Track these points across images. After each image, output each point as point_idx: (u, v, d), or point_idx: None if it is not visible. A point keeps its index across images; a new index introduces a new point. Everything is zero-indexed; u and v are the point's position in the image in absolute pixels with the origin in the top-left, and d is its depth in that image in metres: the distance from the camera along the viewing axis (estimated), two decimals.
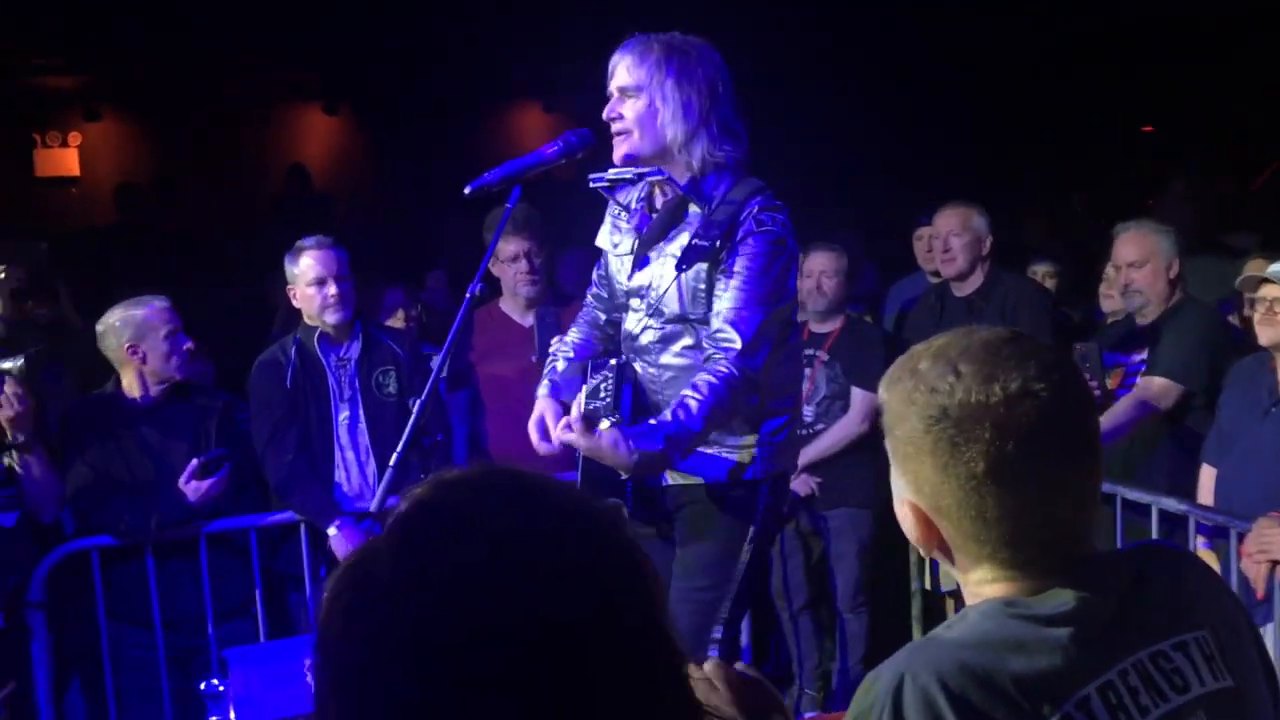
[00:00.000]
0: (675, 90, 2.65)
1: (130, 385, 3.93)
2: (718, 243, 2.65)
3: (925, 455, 1.34)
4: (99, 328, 3.93)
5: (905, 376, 1.38)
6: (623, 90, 2.69)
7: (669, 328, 2.75)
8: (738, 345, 2.61)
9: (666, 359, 2.77)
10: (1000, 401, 1.31)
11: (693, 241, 2.69)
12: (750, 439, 2.77)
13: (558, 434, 2.62)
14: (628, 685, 0.94)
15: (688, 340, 2.74)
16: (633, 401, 2.73)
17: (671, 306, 2.73)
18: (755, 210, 2.66)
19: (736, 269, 2.65)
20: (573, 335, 3.04)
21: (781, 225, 2.67)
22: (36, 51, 8.86)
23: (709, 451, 2.75)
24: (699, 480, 2.78)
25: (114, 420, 3.90)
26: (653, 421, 2.59)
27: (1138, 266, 4.11)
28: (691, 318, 2.71)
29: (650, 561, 1.02)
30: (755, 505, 2.78)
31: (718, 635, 2.77)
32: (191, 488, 3.79)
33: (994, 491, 1.31)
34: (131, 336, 3.87)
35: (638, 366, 2.82)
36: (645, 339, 2.80)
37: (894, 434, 1.39)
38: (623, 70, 2.70)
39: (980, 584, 1.37)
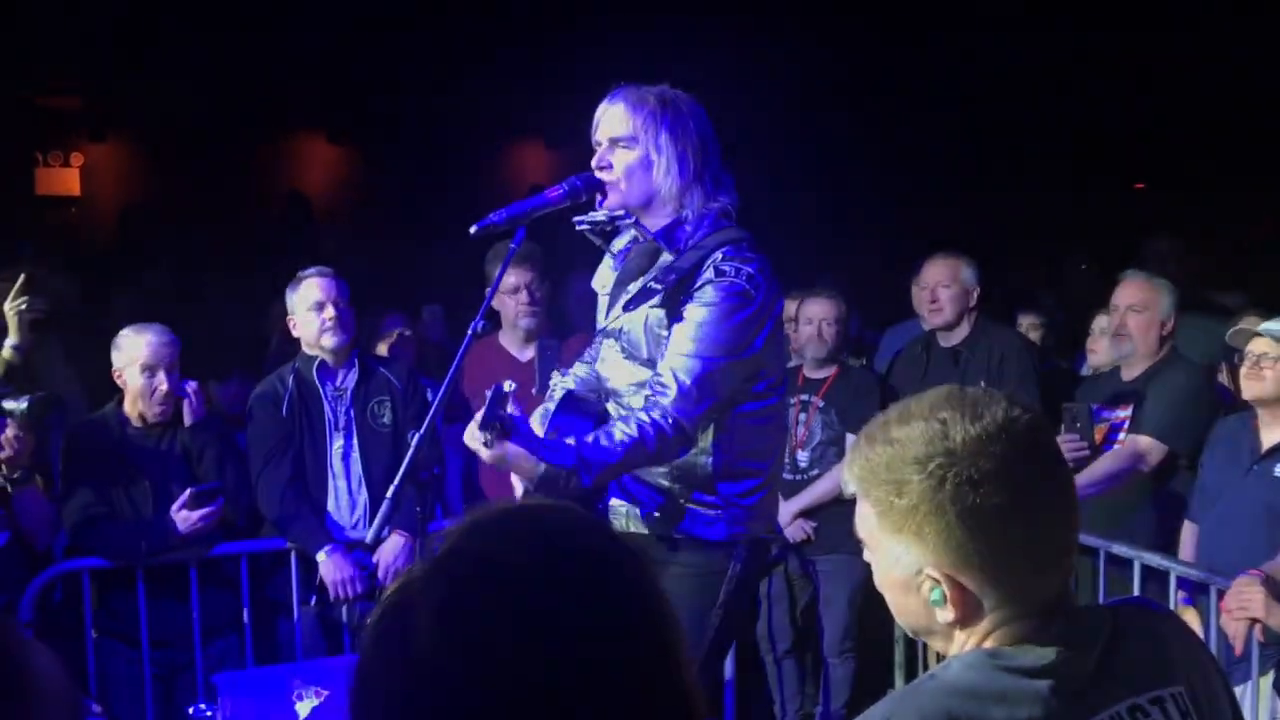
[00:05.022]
0: (670, 143, 2.63)
1: (127, 408, 3.96)
2: (673, 288, 2.60)
3: (946, 508, 1.33)
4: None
5: (884, 447, 1.38)
6: (614, 140, 2.67)
7: (644, 372, 2.71)
8: (672, 392, 2.54)
9: (636, 402, 2.69)
10: (998, 429, 1.35)
11: (646, 284, 2.66)
12: (705, 496, 2.69)
13: (465, 438, 2.54)
14: None
15: None
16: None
17: (642, 351, 2.70)
18: (718, 259, 2.59)
19: (687, 315, 2.59)
20: (577, 370, 3.02)
21: (747, 278, 2.58)
22: (46, 71, 8.93)
23: (678, 504, 2.71)
24: (662, 532, 2.72)
25: (112, 444, 3.91)
26: (570, 441, 2.53)
27: (1137, 311, 4.12)
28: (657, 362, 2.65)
29: (675, 616, 1.05)
30: (725, 572, 2.70)
31: None
32: (181, 517, 3.80)
33: (1018, 520, 1.34)
34: (118, 361, 3.89)
35: (610, 407, 2.79)
36: (617, 382, 2.78)
37: (894, 508, 1.36)
38: (615, 119, 2.67)
39: (978, 636, 1.39)
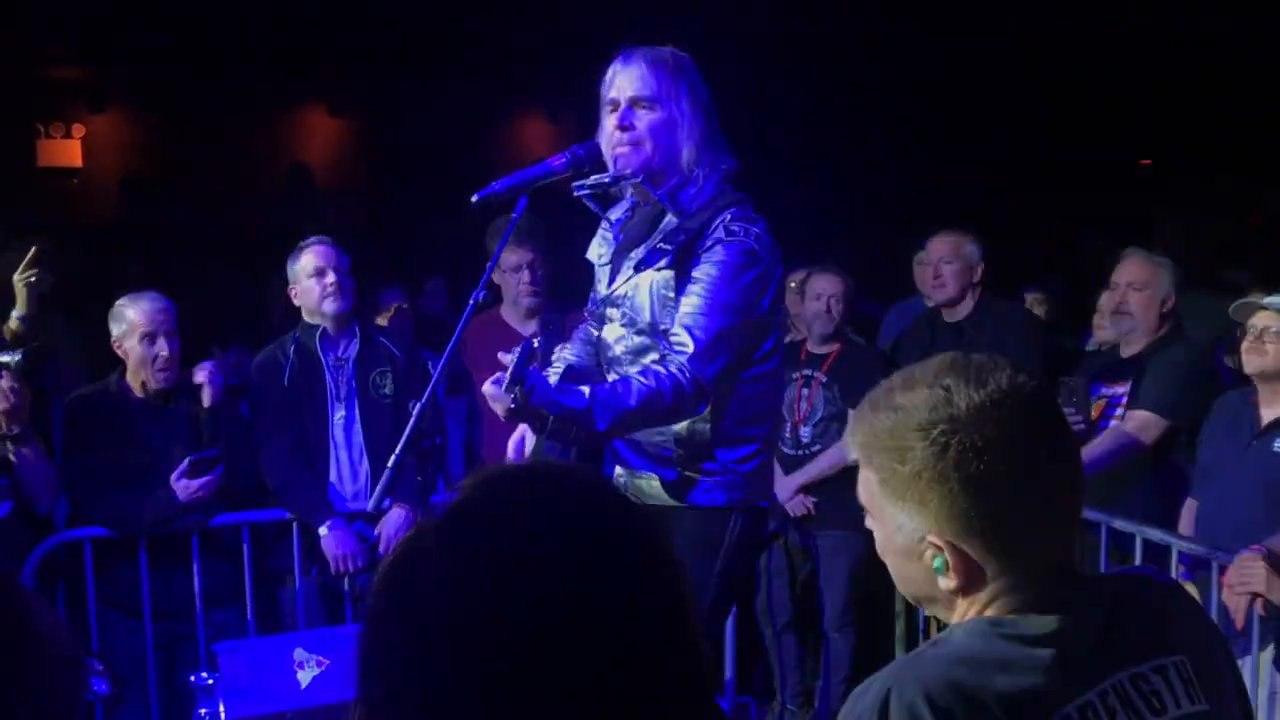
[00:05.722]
0: (689, 105, 2.64)
1: (129, 378, 3.95)
2: (682, 249, 2.61)
3: (949, 475, 1.32)
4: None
5: (888, 413, 1.37)
6: (635, 100, 2.64)
7: (641, 339, 2.71)
8: (689, 349, 2.55)
9: (636, 370, 2.67)
10: (1002, 396, 1.34)
11: (656, 245, 2.66)
12: (705, 463, 2.69)
13: (486, 391, 2.52)
14: (656, 698, 0.97)
15: (656, 355, 2.67)
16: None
17: (644, 315, 2.70)
18: (727, 220, 2.60)
19: (698, 275, 2.59)
20: (568, 351, 3.01)
21: (755, 238, 2.60)
22: (46, 42, 8.91)
23: (678, 472, 2.71)
24: (662, 502, 2.72)
25: (114, 413, 3.91)
26: (584, 389, 2.53)
27: (1137, 288, 4.11)
28: (662, 327, 2.65)
29: (687, 574, 1.05)
30: (722, 538, 2.70)
31: None
32: (181, 486, 3.80)
33: (1022, 488, 1.33)
34: (117, 332, 3.88)
35: (610, 377, 2.78)
36: (618, 349, 2.78)
37: (897, 475, 1.36)
38: (634, 79, 2.64)
39: (979, 605, 1.38)
